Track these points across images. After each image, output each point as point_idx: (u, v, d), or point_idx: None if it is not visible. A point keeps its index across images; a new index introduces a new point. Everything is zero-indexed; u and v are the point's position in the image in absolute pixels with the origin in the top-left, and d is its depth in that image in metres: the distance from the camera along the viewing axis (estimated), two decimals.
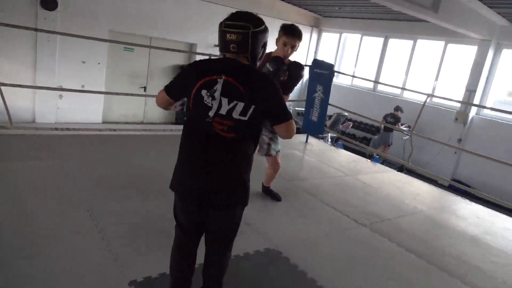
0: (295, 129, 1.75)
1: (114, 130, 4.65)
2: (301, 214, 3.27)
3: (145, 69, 9.42)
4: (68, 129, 4.65)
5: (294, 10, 11.24)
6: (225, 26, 1.59)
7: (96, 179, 3.19)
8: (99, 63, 8.50)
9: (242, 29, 1.57)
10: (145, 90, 9.41)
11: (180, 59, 9.77)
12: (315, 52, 12.51)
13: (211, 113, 1.58)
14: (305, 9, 11.39)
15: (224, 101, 1.58)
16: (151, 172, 3.50)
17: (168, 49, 5.75)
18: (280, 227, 2.96)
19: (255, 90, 1.60)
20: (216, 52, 10.00)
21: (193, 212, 1.74)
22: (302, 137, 6.03)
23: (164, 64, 9.63)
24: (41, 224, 2.43)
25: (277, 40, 2.75)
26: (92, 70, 8.42)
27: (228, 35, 1.58)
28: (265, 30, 1.65)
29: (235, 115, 1.59)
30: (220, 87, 1.58)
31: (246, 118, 1.60)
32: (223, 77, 1.58)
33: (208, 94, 1.59)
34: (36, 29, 5.60)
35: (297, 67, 2.74)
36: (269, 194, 3.48)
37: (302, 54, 12.08)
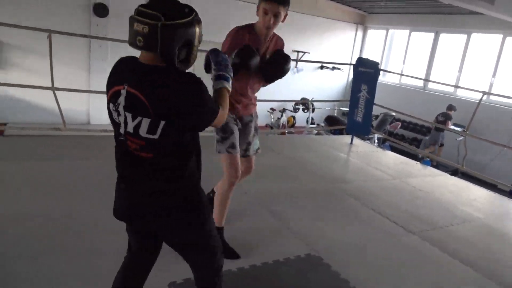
0: (222, 118, 1.48)
1: None
2: (345, 218, 3.16)
3: (190, 70, 9.62)
4: None
5: (337, 7, 10.98)
6: (137, 13, 1.25)
7: None
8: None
9: (151, 19, 1.21)
10: None
11: None
12: (361, 50, 12.15)
13: (121, 131, 1.34)
14: (349, 6, 11.09)
15: (129, 117, 1.30)
16: None
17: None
18: (321, 232, 2.86)
19: (163, 101, 1.25)
20: None
21: (136, 234, 1.56)
22: (346, 138, 5.85)
23: None
24: (82, 221, 2.52)
25: (257, 9, 2.21)
26: None
27: (135, 25, 1.24)
28: (188, 24, 1.27)
29: (143, 133, 1.29)
30: (123, 100, 1.29)
31: (156, 137, 1.28)
32: (126, 87, 1.28)
33: (114, 109, 1.33)
34: (86, 36, 5.89)
35: (280, 56, 2.27)
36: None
37: (347, 53, 11.79)
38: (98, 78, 8.27)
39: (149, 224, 1.46)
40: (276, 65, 2.28)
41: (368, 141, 7.01)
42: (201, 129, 1.39)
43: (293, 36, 10.64)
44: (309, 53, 10.71)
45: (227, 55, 1.65)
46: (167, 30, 1.23)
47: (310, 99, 9.55)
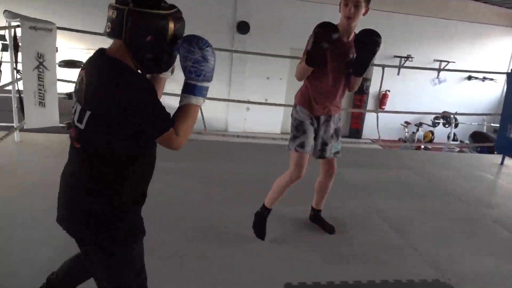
0: (175, 142, 1.24)
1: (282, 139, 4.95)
2: (486, 247, 2.75)
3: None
4: (246, 137, 5.22)
5: (490, 10, 9.68)
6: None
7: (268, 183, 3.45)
8: (280, 79, 9.25)
9: (120, 4, 1.16)
10: None
11: None
12: None
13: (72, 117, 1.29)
14: (508, 8, 9.66)
15: (75, 101, 1.28)
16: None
17: None
18: (455, 258, 2.56)
19: (95, 91, 1.18)
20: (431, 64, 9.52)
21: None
22: (496, 158, 5.09)
23: None
24: (221, 211, 2.78)
25: (339, 7, 2.18)
26: (275, 85, 9.22)
27: (108, 11, 1.20)
28: (160, 16, 1.17)
29: (75, 120, 1.23)
30: (77, 84, 1.26)
31: (82, 127, 1.20)
32: (83, 72, 1.24)
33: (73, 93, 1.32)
34: (230, 50, 6.52)
35: (366, 34, 2.12)
36: (318, 221, 2.71)
37: (503, 61, 10.27)
38: (237, 90, 9.06)
39: (68, 228, 1.32)
40: (365, 45, 2.11)
41: None
42: (140, 142, 1.23)
43: (434, 45, 9.81)
44: (454, 62, 9.69)
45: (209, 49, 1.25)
46: (134, 16, 1.14)
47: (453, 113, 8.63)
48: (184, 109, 1.25)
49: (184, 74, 1.24)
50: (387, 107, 9.69)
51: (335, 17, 2.25)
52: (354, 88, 2.38)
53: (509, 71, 4.49)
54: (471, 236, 2.90)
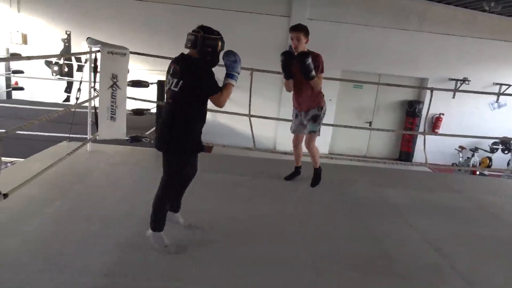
0: (219, 100, 2.40)
1: (331, 158, 5.06)
2: None
3: (372, 105, 9.75)
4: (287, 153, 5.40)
5: None
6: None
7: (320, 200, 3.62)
8: (330, 100, 9.37)
9: (196, 32, 2.34)
10: (370, 125, 9.68)
11: (408, 95, 9.62)
12: None
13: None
14: None
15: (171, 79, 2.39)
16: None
17: (396, 85, 5.81)
18: (491, 279, 2.55)
19: (186, 71, 2.33)
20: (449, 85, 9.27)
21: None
22: None
23: (391, 100, 9.71)
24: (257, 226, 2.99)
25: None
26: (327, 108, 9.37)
27: (189, 35, 2.39)
28: (216, 39, 2.35)
29: (172, 86, 2.35)
30: (172, 71, 2.40)
31: (176, 89, 2.32)
32: (173, 65, 2.39)
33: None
34: (279, 72, 6.79)
35: (297, 56, 3.42)
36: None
37: None
38: (287, 109, 9.30)
39: None
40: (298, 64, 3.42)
41: None
42: (202, 97, 2.37)
43: (493, 67, 9.45)
44: None
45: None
46: (203, 38, 2.32)
47: None
48: (225, 85, 2.44)
49: (226, 68, 2.46)
50: (441, 131, 9.42)
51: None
52: (315, 87, 3.57)
53: None
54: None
